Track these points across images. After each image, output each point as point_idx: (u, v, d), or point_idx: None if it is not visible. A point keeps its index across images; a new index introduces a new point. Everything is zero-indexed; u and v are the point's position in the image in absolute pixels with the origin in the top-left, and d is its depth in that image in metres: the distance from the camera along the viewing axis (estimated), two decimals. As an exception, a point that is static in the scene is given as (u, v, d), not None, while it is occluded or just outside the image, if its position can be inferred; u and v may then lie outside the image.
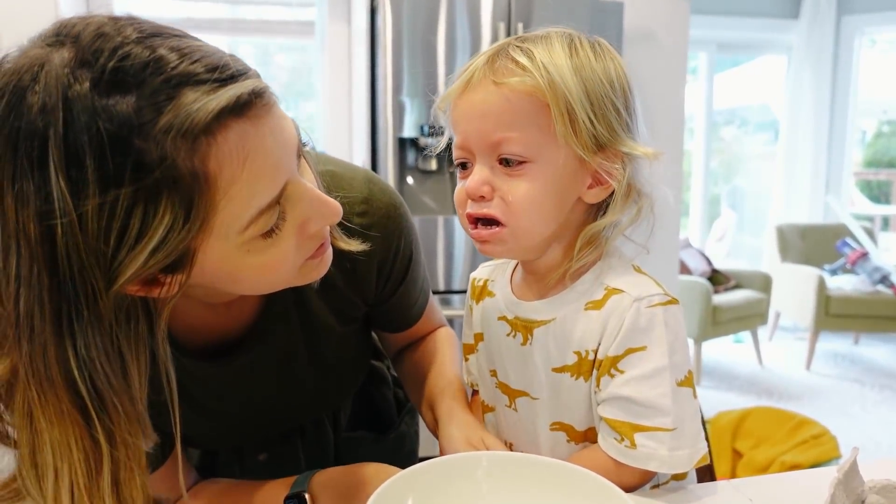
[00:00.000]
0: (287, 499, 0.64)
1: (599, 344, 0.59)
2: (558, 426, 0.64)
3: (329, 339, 0.72)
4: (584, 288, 0.62)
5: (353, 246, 0.63)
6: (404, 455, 0.91)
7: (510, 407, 0.67)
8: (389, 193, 0.71)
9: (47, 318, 0.43)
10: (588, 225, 0.63)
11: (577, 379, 0.61)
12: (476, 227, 0.60)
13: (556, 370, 0.62)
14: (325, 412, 0.82)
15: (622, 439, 0.57)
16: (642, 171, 0.62)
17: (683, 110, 2.82)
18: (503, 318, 0.67)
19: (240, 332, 0.67)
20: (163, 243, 0.44)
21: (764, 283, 3.72)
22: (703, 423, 1.06)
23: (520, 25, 2.30)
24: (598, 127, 0.58)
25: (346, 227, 0.64)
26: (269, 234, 0.50)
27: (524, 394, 0.65)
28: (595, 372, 0.60)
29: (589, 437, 0.63)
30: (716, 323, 3.41)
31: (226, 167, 0.45)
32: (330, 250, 0.59)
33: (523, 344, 0.64)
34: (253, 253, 0.50)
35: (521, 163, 0.58)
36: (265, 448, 0.80)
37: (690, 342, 3.65)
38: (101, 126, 0.41)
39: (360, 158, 2.68)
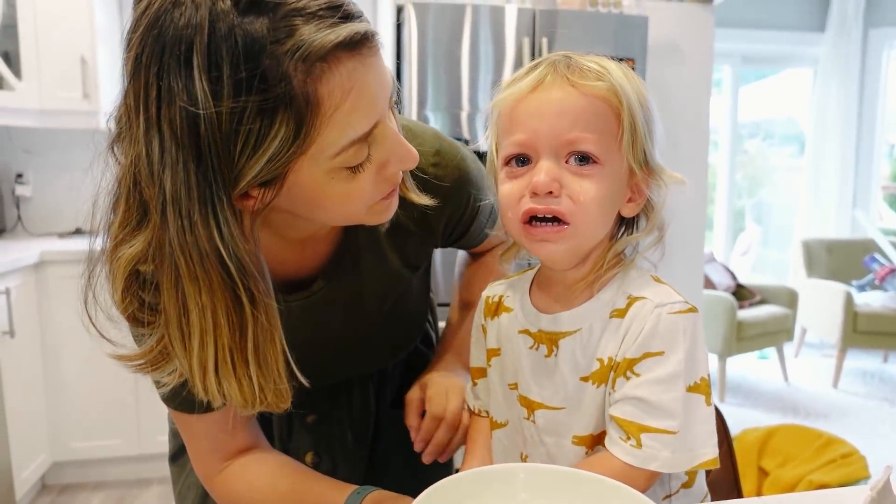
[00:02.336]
0: None
1: (620, 348, 0.60)
2: (578, 440, 0.64)
3: (395, 284, 0.76)
4: (608, 297, 0.62)
5: (424, 200, 0.67)
6: None
7: (528, 419, 0.67)
8: (458, 147, 0.77)
9: (194, 198, 0.49)
10: (614, 237, 0.65)
11: (598, 387, 0.61)
12: (532, 225, 0.59)
13: (583, 379, 0.62)
14: (379, 365, 0.85)
15: (628, 438, 0.58)
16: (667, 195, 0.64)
17: (708, 123, 2.81)
18: (525, 331, 0.67)
19: (311, 271, 0.71)
20: (275, 155, 0.49)
21: (790, 299, 3.66)
22: (729, 438, 1.06)
23: (544, 41, 2.32)
24: (648, 144, 0.60)
25: (419, 179, 0.69)
26: (354, 168, 0.55)
27: (545, 406, 0.65)
28: (612, 374, 0.60)
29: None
30: (740, 339, 3.36)
31: (332, 95, 0.50)
32: (397, 195, 0.62)
33: (547, 356, 0.64)
34: (336, 181, 0.54)
35: (592, 163, 0.58)
36: (314, 409, 0.82)
37: (714, 358, 3.60)
38: (238, 39, 0.47)
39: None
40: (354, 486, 0.69)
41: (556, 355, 0.64)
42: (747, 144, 4.99)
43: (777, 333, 3.54)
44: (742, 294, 3.72)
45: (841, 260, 4.01)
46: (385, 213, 0.62)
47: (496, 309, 0.72)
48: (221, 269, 0.51)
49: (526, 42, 2.33)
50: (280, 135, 0.49)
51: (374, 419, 0.86)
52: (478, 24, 2.31)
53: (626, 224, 0.66)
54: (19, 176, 2.78)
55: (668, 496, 0.64)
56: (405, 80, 2.34)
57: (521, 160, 0.60)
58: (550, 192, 0.58)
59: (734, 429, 2.26)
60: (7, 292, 2.05)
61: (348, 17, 0.50)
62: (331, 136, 0.51)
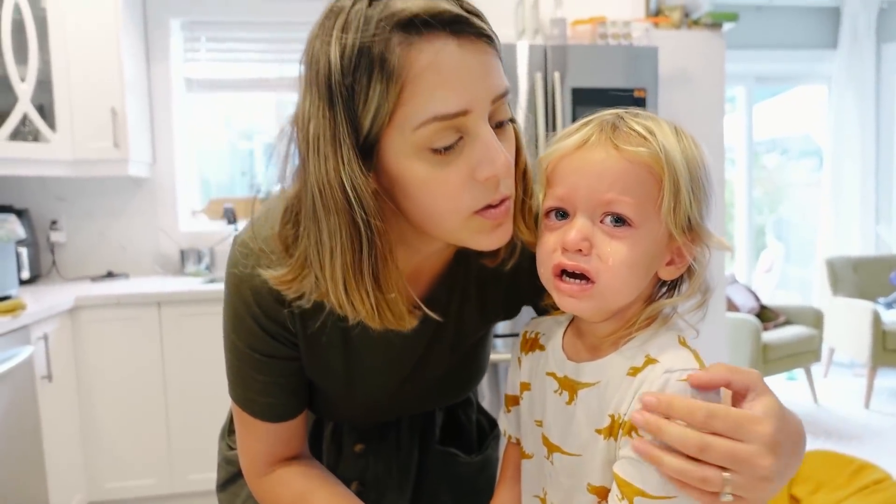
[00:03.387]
0: None
1: (629, 407, 0.60)
2: (592, 489, 0.65)
3: (474, 334, 0.80)
4: (629, 354, 0.63)
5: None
6: (487, 477, 0.96)
7: (548, 459, 0.69)
8: None
9: (328, 138, 0.57)
10: (652, 298, 0.66)
11: (608, 440, 0.62)
12: (562, 279, 0.62)
13: (597, 431, 0.63)
14: (435, 407, 0.89)
15: (622, 498, 0.58)
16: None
17: (723, 146, 2.83)
18: (552, 374, 0.69)
19: (411, 300, 0.68)
20: (376, 112, 0.56)
21: (815, 319, 3.62)
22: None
23: (556, 75, 2.37)
24: (694, 209, 0.61)
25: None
26: (439, 151, 0.58)
27: (562, 451, 0.67)
28: (620, 431, 0.61)
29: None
30: (766, 361, 3.33)
31: (420, 64, 0.55)
32: (509, 222, 0.64)
33: (568, 403, 0.66)
34: (423, 163, 0.58)
35: (627, 225, 0.60)
36: (363, 439, 0.87)
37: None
38: (363, 13, 0.56)
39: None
40: None
41: (575, 404, 0.66)
42: (765, 159, 4.97)
43: (804, 354, 3.50)
44: (766, 315, 3.69)
45: (867, 277, 3.96)
46: (487, 237, 0.63)
47: (531, 345, 0.74)
48: (343, 198, 0.58)
49: (538, 77, 2.38)
50: (376, 91, 0.55)
51: (419, 455, 0.89)
52: (491, 62, 2.37)
53: (667, 285, 0.66)
54: (53, 223, 2.89)
55: None
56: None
57: (561, 214, 0.62)
58: (580, 250, 0.60)
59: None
60: (45, 338, 2.12)
61: (461, 10, 0.57)
62: (414, 107, 0.56)
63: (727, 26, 2.76)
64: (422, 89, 0.55)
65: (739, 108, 4.40)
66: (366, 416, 0.86)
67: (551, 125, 2.41)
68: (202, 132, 3.21)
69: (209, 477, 2.53)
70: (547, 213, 0.64)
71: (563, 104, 2.40)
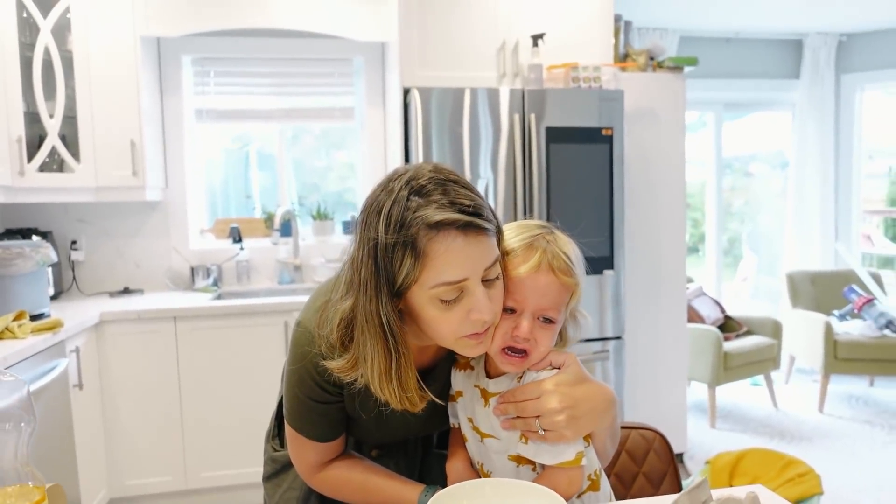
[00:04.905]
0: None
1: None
2: (511, 458, 0.97)
3: (448, 393, 1.09)
4: (512, 375, 0.98)
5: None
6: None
7: (482, 442, 1.01)
8: None
9: (372, 285, 0.85)
10: None
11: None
12: (506, 354, 0.93)
13: (503, 428, 0.96)
14: (438, 430, 1.19)
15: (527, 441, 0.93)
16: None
17: (684, 178, 3.13)
18: (477, 385, 1.01)
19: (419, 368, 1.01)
20: (407, 274, 0.83)
21: (774, 329, 3.94)
22: (674, 460, 1.35)
23: (532, 117, 2.67)
24: (576, 302, 0.97)
25: None
26: (446, 302, 0.85)
27: (489, 436, 0.99)
28: None
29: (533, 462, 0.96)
30: (727, 368, 3.64)
31: (437, 251, 0.82)
32: (485, 343, 0.91)
33: (485, 406, 0.99)
34: (433, 307, 0.86)
35: (551, 322, 0.92)
36: (378, 447, 1.17)
37: (704, 387, 3.88)
38: (403, 205, 0.83)
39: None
40: (423, 486, 1.02)
41: (489, 406, 0.97)
42: (752, 168, 5.26)
43: (763, 362, 3.81)
44: (730, 326, 4.01)
45: (824, 291, 4.29)
46: (470, 350, 0.91)
47: (465, 365, 1.05)
48: (380, 327, 0.86)
49: (517, 118, 2.68)
50: (407, 263, 0.83)
51: (422, 456, 1.20)
52: (476, 103, 2.66)
53: None
54: (73, 242, 3.15)
55: (580, 495, 0.96)
56: (413, 154, 2.69)
57: (510, 310, 0.93)
58: (525, 339, 0.92)
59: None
60: (77, 350, 2.39)
61: (463, 210, 0.83)
62: (431, 275, 0.83)
63: (688, 69, 3.07)
64: (437, 265, 0.83)
65: (709, 132, 4.72)
66: (386, 438, 1.15)
67: (528, 160, 2.70)
68: (210, 158, 3.47)
69: (220, 474, 2.83)
70: (505, 310, 0.94)
71: (538, 142, 2.70)
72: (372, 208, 0.86)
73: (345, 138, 3.61)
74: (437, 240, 0.82)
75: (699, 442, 3.46)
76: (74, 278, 3.16)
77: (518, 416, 0.92)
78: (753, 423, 3.74)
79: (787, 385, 4.37)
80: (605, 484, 1.01)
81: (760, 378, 4.18)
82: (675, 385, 3.19)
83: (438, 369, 1.06)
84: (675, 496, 0.75)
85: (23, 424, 0.64)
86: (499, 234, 0.91)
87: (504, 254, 0.92)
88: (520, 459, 0.96)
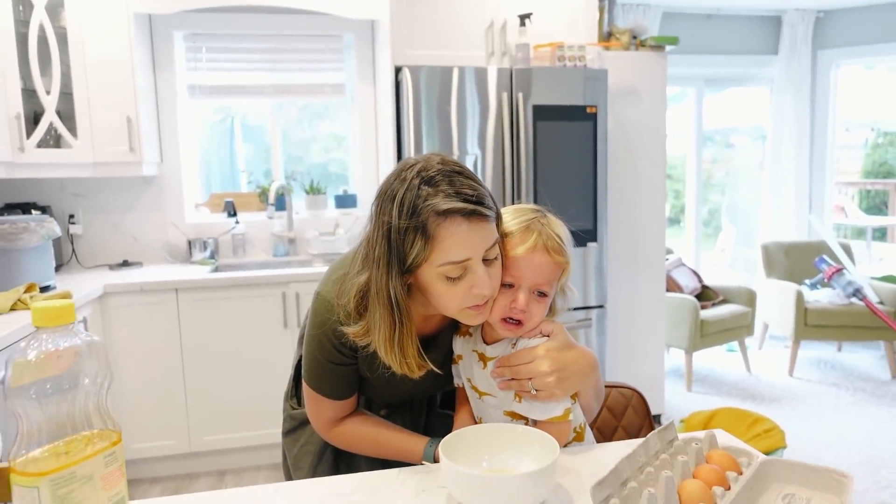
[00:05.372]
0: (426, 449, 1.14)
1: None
2: (506, 413, 1.11)
3: (451, 357, 1.22)
4: (510, 341, 1.10)
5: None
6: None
7: (480, 399, 1.14)
8: None
9: (384, 262, 0.97)
10: None
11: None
12: (505, 322, 1.05)
13: (499, 388, 1.10)
14: (442, 389, 1.31)
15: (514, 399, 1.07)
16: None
17: (665, 153, 3.26)
18: (475, 350, 1.14)
19: (424, 336, 1.16)
20: (416, 255, 0.95)
21: (749, 298, 4.13)
22: (650, 416, 1.50)
23: (520, 95, 2.77)
24: (566, 278, 1.09)
25: None
26: (451, 279, 0.98)
27: (487, 394, 1.12)
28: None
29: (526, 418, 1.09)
30: (704, 335, 3.82)
31: (444, 234, 0.94)
32: (484, 314, 1.04)
33: (483, 368, 1.12)
34: (440, 283, 0.98)
35: (544, 295, 1.05)
36: (387, 407, 1.29)
37: (681, 353, 4.07)
38: (414, 193, 0.94)
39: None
40: (428, 438, 1.15)
41: (487, 368, 1.10)
42: (732, 140, 5.40)
43: (737, 329, 4.00)
44: (707, 295, 4.19)
45: (797, 261, 4.48)
46: (471, 320, 1.05)
47: (465, 331, 1.18)
48: (388, 300, 0.99)
49: (505, 96, 2.77)
50: (418, 244, 0.95)
51: (426, 415, 1.33)
52: (464, 82, 2.75)
53: None
54: (71, 217, 3.21)
55: (566, 445, 1.10)
56: (404, 130, 2.79)
57: (509, 285, 1.05)
58: (522, 310, 1.04)
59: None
60: (84, 321, 2.49)
61: (468, 199, 0.94)
62: (439, 255, 0.95)
63: (669, 46, 3.17)
64: (444, 247, 0.95)
65: (690, 105, 4.84)
66: (394, 397, 1.28)
67: (516, 137, 2.81)
68: (203, 132, 3.53)
69: (222, 437, 2.96)
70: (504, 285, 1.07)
71: (525, 119, 2.81)
72: (386, 195, 0.97)
73: (327, 109, 3.67)
74: (444, 225, 0.94)
75: (676, 404, 3.65)
76: (74, 251, 3.23)
77: (513, 378, 1.06)
78: (727, 386, 3.94)
79: (761, 351, 4.59)
80: (588, 435, 1.15)
81: (735, 344, 4.39)
82: (654, 351, 3.37)
83: (442, 336, 1.19)
84: (647, 436, 0.89)
85: (99, 378, 0.76)
86: (498, 218, 1.03)
87: (503, 235, 1.04)
88: (514, 415, 1.09)
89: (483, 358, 1.11)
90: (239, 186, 3.64)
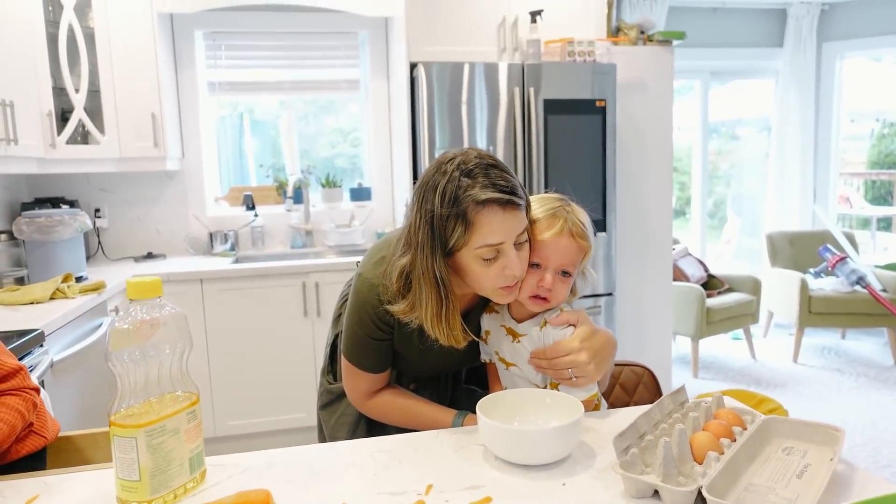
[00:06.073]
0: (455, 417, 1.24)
1: (542, 341, 1.19)
2: (530, 383, 1.21)
3: (478, 334, 1.32)
4: (537, 319, 1.20)
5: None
6: None
7: (507, 370, 1.25)
8: None
9: (427, 246, 1.08)
10: None
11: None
12: (534, 299, 1.15)
13: (529, 363, 1.20)
14: (469, 365, 1.40)
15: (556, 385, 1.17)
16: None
17: (672, 145, 3.35)
18: (503, 325, 1.24)
19: (466, 307, 1.27)
20: (457, 239, 1.05)
21: (754, 287, 4.22)
22: (661, 395, 1.60)
23: (531, 90, 2.86)
24: (587, 261, 1.19)
25: None
26: (486, 260, 1.08)
27: (513, 365, 1.23)
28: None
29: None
30: (710, 323, 3.92)
31: (482, 221, 1.04)
32: (515, 293, 1.14)
33: (513, 341, 1.22)
34: (477, 264, 1.08)
35: (568, 275, 1.15)
36: (416, 381, 1.39)
37: (688, 340, 4.17)
38: (455, 185, 1.05)
39: (404, 196, 3.25)
40: (456, 411, 1.25)
41: (518, 341, 1.21)
42: (738, 132, 5.48)
43: (742, 317, 4.10)
44: (712, 284, 4.28)
45: (801, 250, 4.57)
46: (504, 298, 1.15)
47: (490, 310, 1.28)
48: (434, 280, 1.09)
49: (517, 91, 2.87)
50: (458, 230, 1.05)
51: (451, 389, 1.43)
52: (474, 77, 2.85)
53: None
54: (97, 210, 3.33)
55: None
56: (419, 125, 2.89)
57: (536, 265, 1.16)
58: (548, 289, 1.15)
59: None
60: (116, 309, 2.60)
61: (503, 190, 1.05)
62: (476, 239, 1.05)
63: (676, 42, 3.26)
64: (482, 232, 1.06)
65: (695, 97, 4.92)
66: (424, 371, 1.38)
67: (527, 131, 2.91)
68: (221, 128, 3.64)
69: (245, 423, 3.09)
70: (531, 265, 1.17)
71: (536, 113, 2.90)
72: (428, 185, 1.08)
73: (333, 104, 3.76)
74: (482, 213, 1.04)
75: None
76: (100, 244, 3.35)
77: (551, 369, 1.15)
78: (732, 372, 4.04)
79: (766, 338, 4.68)
80: (603, 406, 1.25)
81: (740, 332, 4.49)
82: (661, 338, 3.47)
83: (472, 314, 1.30)
84: (661, 398, 0.99)
85: (179, 346, 0.86)
86: (527, 207, 1.13)
87: (531, 222, 1.15)
88: (536, 385, 1.20)
89: (512, 332, 1.22)
90: (249, 180, 3.74)
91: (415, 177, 3.03)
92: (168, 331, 0.85)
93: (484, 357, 1.33)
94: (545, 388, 1.19)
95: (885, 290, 4.11)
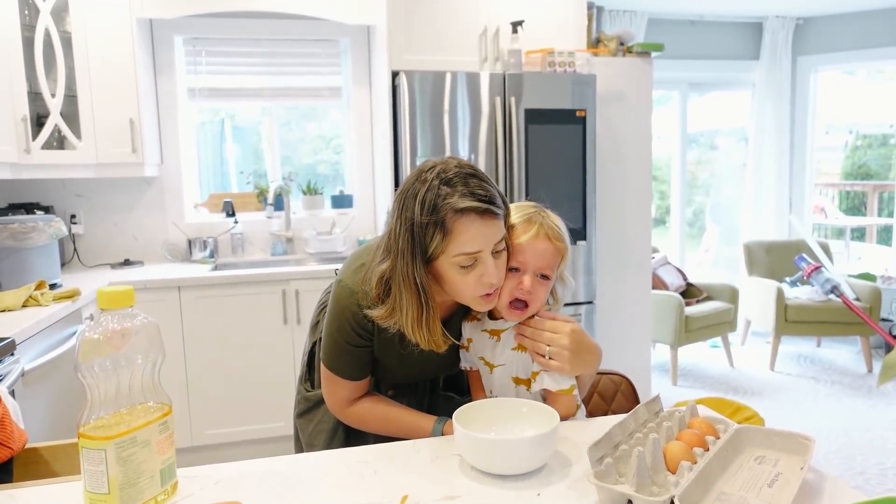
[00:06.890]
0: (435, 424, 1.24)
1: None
2: (514, 380, 1.22)
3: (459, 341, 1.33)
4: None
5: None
6: None
7: (491, 373, 1.25)
8: None
9: (408, 252, 1.08)
10: None
11: (516, 352, 1.22)
12: (512, 307, 1.16)
13: (513, 349, 1.21)
14: (447, 373, 1.41)
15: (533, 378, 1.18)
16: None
17: (650, 155, 3.39)
18: (486, 330, 1.25)
19: (446, 314, 1.27)
20: (436, 246, 1.06)
21: (732, 295, 4.27)
22: (638, 401, 1.61)
23: (512, 100, 2.88)
24: (564, 266, 1.20)
25: None
26: (464, 268, 1.09)
27: (496, 365, 1.23)
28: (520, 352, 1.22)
29: (528, 383, 1.21)
30: (688, 331, 3.96)
31: (459, 229, 1.06)
32: (494, 301, 1.15)
33: (497, 341, 1.23)
34: (454, 271, 1.09)
35: (546, 279, 1.16)
36: (394, 388, 1.38)
37: (667, 348, 4.20)
38: (434, 193, 1.05)
39: (386, 204, 3.25)
40: (436, 417, 1.25)
41: (500, 340, 1.21)
42: (716, 142, 5.56)
43: (720, 325, 4.15)
44: (691, 292, 4.33)
45: (777, 259, 4.64)
46: (483, 306, 1.16)
47: (472, 317, 1.29)
48: (414, 286, 1.10)
49: (497, 100, 2.89)
50: (437, 237, 1.06)
51: (429, 396, 1.42)
52: (456, 86, 2.86)
53: None
54: (73, 217, 3.28)
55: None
56: (401, 133, 2.89)
57: (515, 269, 1.17)
58: (528, 292, 1.16)
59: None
60: (91, 317, 2.56)
61: (481, 199, 1.06)
62: (454, 247, 1.07)
63: (655, 53, 3.30)
64: (460, 240, 1.07)
65: (674, 108, 4.99)
66: (403, 378, 1.38)
67: (508, 140, 2.92)
68: (202, 134, 3.61)
69: (223, 432, 3.05)
70: (510, 269, 1.18)
71: (517, 122, 2.92)
72: (408, 193, 1.09)
73: (315, 110, 3.76)
74: (460, 221, 1.06)
75: (662, 398, 3.77)
76: (76, 250, 3.30)
77: (531, 339, 1.18)
78: (711, 380, 4.08)
79: (743, 346, 4.74)
80: (582, 413, 1.26)
81: (718, 340, 4.54)
82: (641, 346, 3.49)
83: (452, 322, 1.30)
84: (636, 407, 1.00)
85: (152, 356, 0.85)
86: (506, 216, 1.14)
87: (507, 228, 1.15)
88: (518, 380, 1.21)
89: (494, 333, 1.23)
90: (230, 187, 3.71)
91: (396, 185, 3.03)
92: (140, 340, 0.84)
93: (464, 365, 1.33)
94: (527, 379, 1.19)
95: (858, 300, 4.18)
